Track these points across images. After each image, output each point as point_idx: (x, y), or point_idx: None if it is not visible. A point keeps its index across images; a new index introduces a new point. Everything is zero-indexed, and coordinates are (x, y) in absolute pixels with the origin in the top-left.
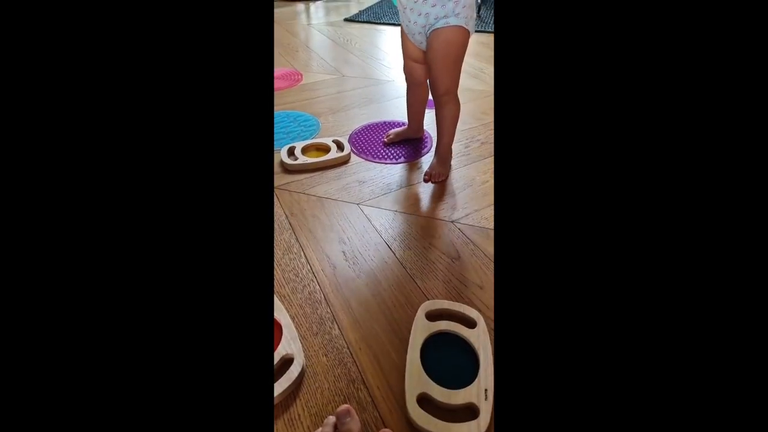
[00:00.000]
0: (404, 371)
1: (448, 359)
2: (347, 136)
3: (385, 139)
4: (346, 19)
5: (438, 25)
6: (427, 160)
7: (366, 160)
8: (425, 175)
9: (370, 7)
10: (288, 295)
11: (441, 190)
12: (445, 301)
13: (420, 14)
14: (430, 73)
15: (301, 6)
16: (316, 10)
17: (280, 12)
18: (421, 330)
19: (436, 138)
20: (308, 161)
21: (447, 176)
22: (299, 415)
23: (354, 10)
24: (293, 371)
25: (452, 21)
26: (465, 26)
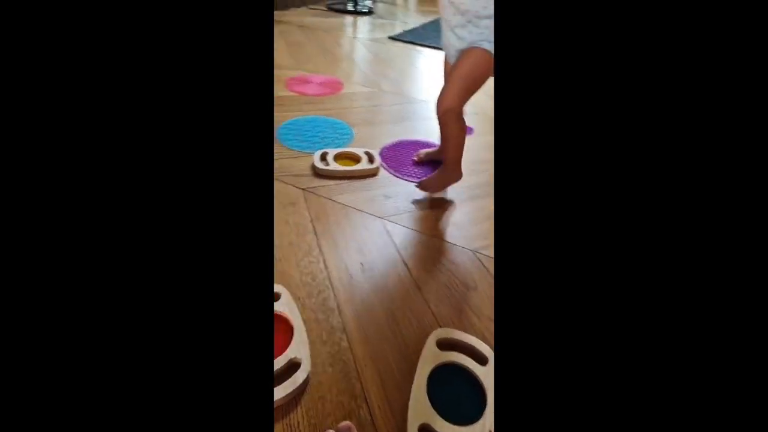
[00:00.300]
0: (408, 396)
1: (455, 393)
2: (379, 149)
3: (415, 158)
4: (390, 37)
5: (472, 46)
6: (454, 185)
7: (394, 175)
8: (419, 182)
9: (414, 28)
10: (303, 299)
11: (465, 217)
12: (458, 331)
13: (458, 37)
14: (442, 88)
15: (349, 19)
16: (363, 25)
17: (328, 22)
18: (430, 358)
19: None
20: (339, 168)
21: (439, 191)
22: (299, 423)
23: (398, 29)
24: (299, 377)
25: (485, 45)
26: (491, 52)
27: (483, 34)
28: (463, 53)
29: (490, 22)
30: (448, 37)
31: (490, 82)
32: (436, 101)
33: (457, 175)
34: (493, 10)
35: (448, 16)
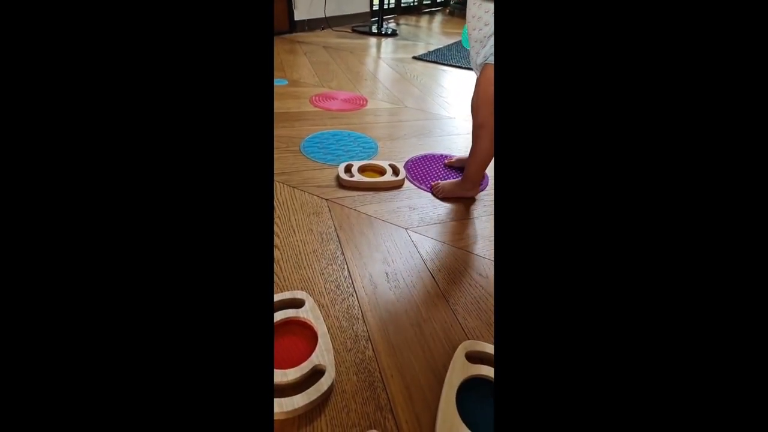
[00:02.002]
0: (435, 408)
1: (485, 407)
2: (403, 162)
3: (447, 162)
4: (414, 57)
5: (486, 62)
6: (481, 197)
7: (419, 187)
8: (434, 184)
9: (438, 48)
10: (327, 305)
11: (491, 231)
12: (488, 344)
13: (476, 52)
14: (473, 104)
15: (373, 40)
16: (387, 46)
17: (353, 43)
18: (459, 370)
19: (490, 176)
20: (363, 180)
21: (449, 198)
22: (322, 431)
23: (421, 50)
24: (323, 383)
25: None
26: None
27: (494, 49)
28: (485, 69)
29: None
30: (471, 51)
31: None
32: (472, 115)
33: (472, 192)
34: None
35: (470, 30)
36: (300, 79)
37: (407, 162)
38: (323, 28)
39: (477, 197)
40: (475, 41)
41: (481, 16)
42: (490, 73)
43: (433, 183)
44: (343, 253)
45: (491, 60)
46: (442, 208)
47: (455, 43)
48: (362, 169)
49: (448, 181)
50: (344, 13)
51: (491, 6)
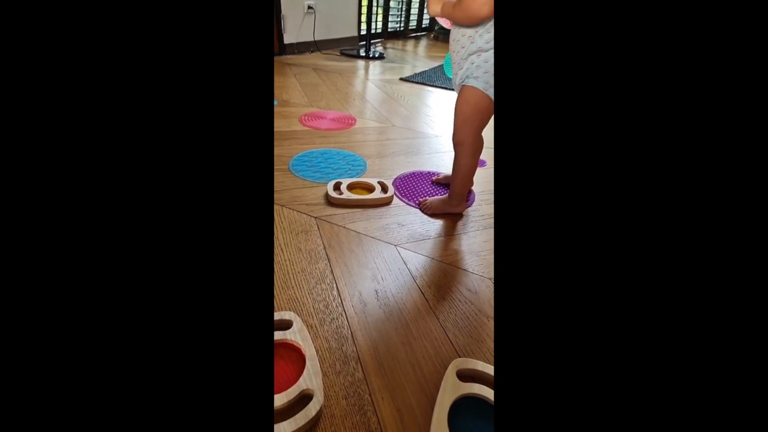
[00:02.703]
0: (427, 431)
1: (478, 427)
2: (392, 179)
3: (434, 179)
4: (401, 79)
5: (462, 83)
6: (468, 212)
7: (408, 204)
8: (421, 201)
9: (424, 70)
10: (316, 326)
11: (480, 246)
12: (479, 362)
13: (456, 74)
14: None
15: (361, 63)
16: (375, 68)
17: (342, 65)
18: (450, 390)
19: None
20: (352, 197)
21: (436, 215)
22: None
23: (408, 72)
24: (311, 409)
25: (471, 82)
26: (482, 90)
27: (469, 71)
28: (460, 90)
29: (477, 58)
30: (452, 73)
31: None
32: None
33: (458, 209)
34: (476, 48)
35: (451, 53)
36: (290, 100)
37: (395, 179)
38: (312, 51)
39: (464, 213)
40: (455, 63)
41: (459, 39)
42: (467, 93)
43: (420, 200)
44: (332, 271)
45: (468, 81)
46: (431, 225)
47: (440, 65)
48: (351, 187)
49: (436, 197)
50: (333, 37)
51: (467, 30)
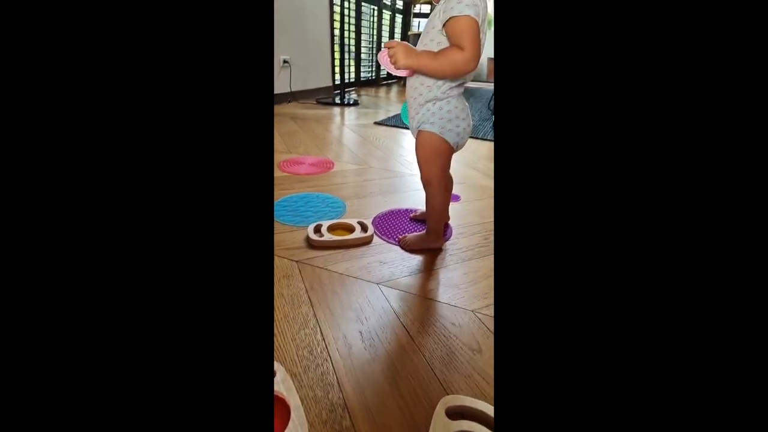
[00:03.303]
0: None
1: None
2: (371, 219)
3: (412, 215)
4: (375, 122)
5: (419, 128)
6: (447, 247)
7: (388, 242)
8: (401, 237)
9: (397, 114)
10: (300, 374)
11: (461, 279)
12: (467, 398)
13: (412, 119)
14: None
15: (336, 110)
16: (350, 114)
17: (318, 113)
18: (440, 430)
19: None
20: (333, 238)
21: (416, 251)
22: None
23: (382, 116)
24: None
25: (426, 127)
26: (438, 134)
27: (425, 116)
28: (417, 135)
29: (432, 106)
30: (409, 117)
31: (469, 158)
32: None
33: (437, 244)
34: (432, 96)
35: (408, 99)
36: None
37: (375, 218)
38: (289, 101)
39: (443, 247)
40: (412, 108)
41: (417, 87)
42: (425, 138)
43: (400, 237)
44: (315, 315)
45: (423, 127)
46: (412, 260)
47: None
48: (331, 228)
49: (414, 234)
50: (309, 87)
51: (427, 80)
